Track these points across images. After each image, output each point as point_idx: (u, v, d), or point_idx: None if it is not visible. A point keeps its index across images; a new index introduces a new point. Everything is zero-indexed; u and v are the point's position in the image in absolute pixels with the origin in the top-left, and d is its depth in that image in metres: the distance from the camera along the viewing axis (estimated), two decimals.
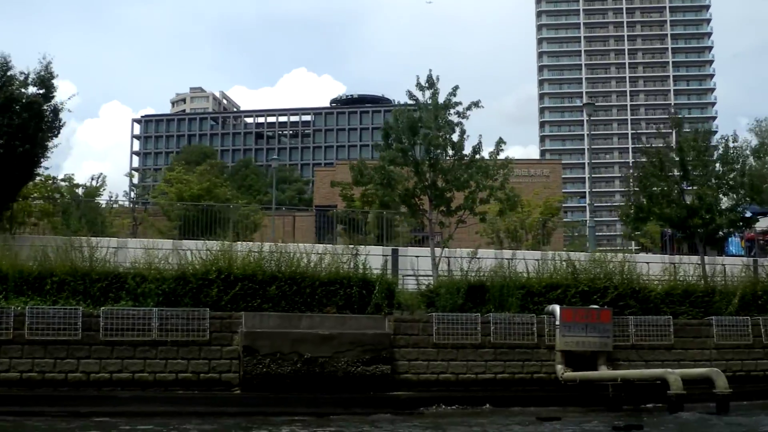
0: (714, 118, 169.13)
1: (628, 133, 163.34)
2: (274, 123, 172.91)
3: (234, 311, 21.14)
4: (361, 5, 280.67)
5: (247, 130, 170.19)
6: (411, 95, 26.07)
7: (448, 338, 21.62)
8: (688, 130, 26.03)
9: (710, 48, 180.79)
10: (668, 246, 34.29)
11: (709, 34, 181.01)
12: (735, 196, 26.41)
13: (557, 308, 22.07)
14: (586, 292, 22.91)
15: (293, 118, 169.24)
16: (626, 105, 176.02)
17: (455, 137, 26.10)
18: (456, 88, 26.08)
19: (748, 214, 40.71)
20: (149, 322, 20.46)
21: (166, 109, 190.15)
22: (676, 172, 26.39)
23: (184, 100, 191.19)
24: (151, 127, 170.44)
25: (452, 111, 26.02)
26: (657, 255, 31.67)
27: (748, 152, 27.84)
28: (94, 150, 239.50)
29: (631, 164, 29.19)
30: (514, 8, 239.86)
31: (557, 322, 21.89)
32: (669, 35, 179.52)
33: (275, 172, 58.73)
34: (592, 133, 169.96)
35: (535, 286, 23.00)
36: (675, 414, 18.93)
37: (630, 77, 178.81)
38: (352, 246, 24.10)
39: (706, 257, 31.76)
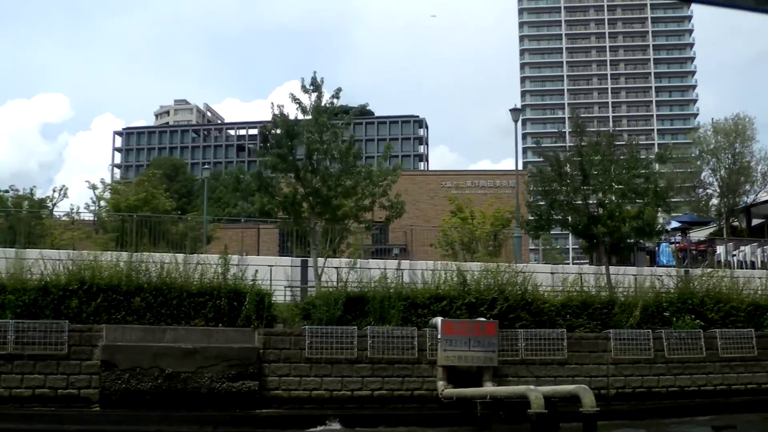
0: (697, 129, 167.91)
1: (609, 116, 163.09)
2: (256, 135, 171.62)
3: (96, 323, 20.01)
4: (351, 16, 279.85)
5: (228, 143, 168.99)
6: (294, 98, 24.83)
7: (322, 353, 20.44)
8: (593, 130, 24.80)
9: (692, 59, 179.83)
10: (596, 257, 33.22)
11: (691, 45, 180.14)
12: (640, 203, 25.20)
13: (439, 321, 20.87)
14: (473, 303, 21.73)
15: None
16: (608, 116, 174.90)
17: (342, 142, 24.89)
18: (339, 90, 25.01)
19: (675, 224, 39.82)
20: (5, 334, 19.42)
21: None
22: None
23: (167, 113, 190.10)
24: (132, 140, 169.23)
25: (339, 115, 24.83)
26: (576, 265, 30.51)
27: (652, 157, 26.59)
28: (86, 163, 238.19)
29: (529, 171, 28.11)
30: (497, 20, 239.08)
31: (439, 336, 20.67)
32: (651, 46, 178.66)
33: (207, 181, 57.39)
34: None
35: (419, 298, 21.80)
36: None
37: (612, 88, 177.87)
38: (238, 255, 22.94)
39: (635, 268, 30.75)
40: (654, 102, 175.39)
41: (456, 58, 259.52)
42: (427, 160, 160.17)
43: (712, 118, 49.30)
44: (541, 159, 27.02)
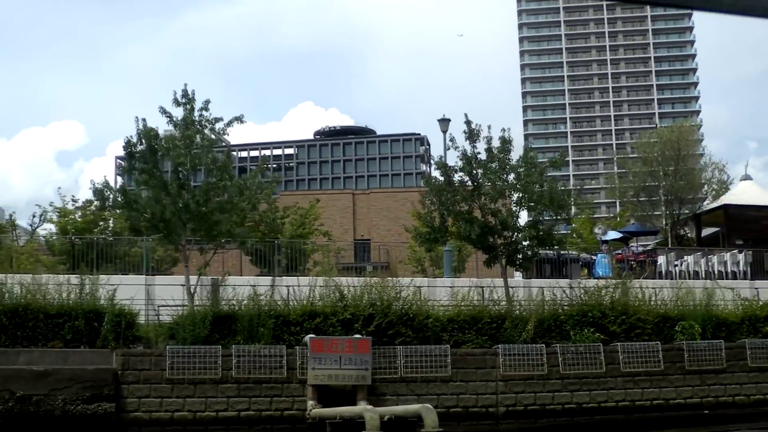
0: (701, 140, 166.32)
1: (613, 158, 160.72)
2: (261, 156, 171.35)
3: None
4: (364, 39, 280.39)
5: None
6: (164, 111, 23.80)
7: (185, 373, 19.47)
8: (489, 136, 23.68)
9: (694, 70, 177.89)
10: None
11: (693, 56, 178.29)
12: (535, 211, 24.03)
13: (308, 338, 19.84)
14: (349, 320, 20.66)
15: (276, 152, 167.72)
16: (611, 129, 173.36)
17: (215, 155, 23.92)
18: (207, 102, 23.95)
19: (615, 235, 38.51)
20: None
21: None
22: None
23: None
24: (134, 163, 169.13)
25: (210, 128, 23.87)
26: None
27: (546, 162, 25.39)
28: None
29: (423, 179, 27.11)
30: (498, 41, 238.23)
31: (308, 354, 19.64)
32: (652, 58, 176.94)
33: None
34: (577, 158, 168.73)
35: (291, 315, 20.78)
36: None
37: (614, 101, 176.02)
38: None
39: (562, 280, 29.60)
40: (657, 114, 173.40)
41: (462, 76, 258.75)
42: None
43: (656, 125, 47.85)
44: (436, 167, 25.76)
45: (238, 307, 20.81)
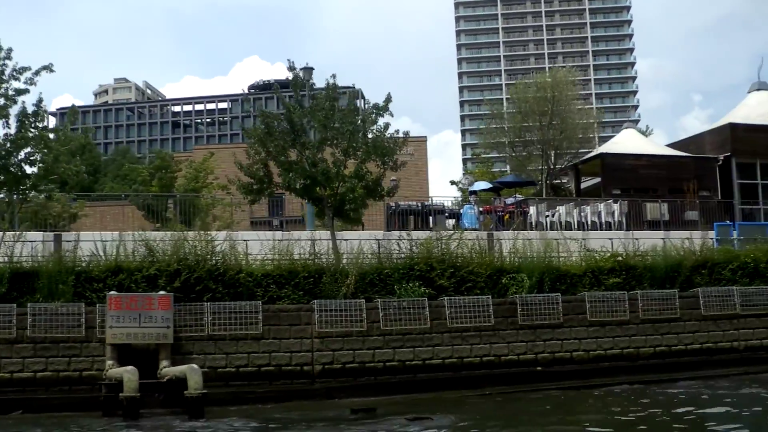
0: (636, 107, 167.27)
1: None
2: (198, 111, 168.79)
3: None
4: None
5: (163, 120, 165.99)
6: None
7: None
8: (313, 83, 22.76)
9: (629, 22, 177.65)
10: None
11: (628, 8, 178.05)
12: (358, 159, 23.14)
13: (107, 296, 18.87)
14: (154, 276, 19.69)
15: (210, 106, 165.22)
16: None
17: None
18: (10, 50, 22.64)
19: (484, 185, 37.90)
20: None
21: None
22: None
23: (106, 92, 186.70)
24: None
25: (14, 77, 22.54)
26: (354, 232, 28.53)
27: (373, 110, 24.41)
28: None
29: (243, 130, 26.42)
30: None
31: (107, 312, 18.66)
32: (587, 9, 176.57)
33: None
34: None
35: (94, 272, 19.76)
36: (130, 421, 15.79)
37: (549, 54, 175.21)
38: None
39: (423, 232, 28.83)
40: (591, 66, 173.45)
41: (402, 31, 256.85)
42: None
43: (532, 71, 46.57)
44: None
45: (38, 263, 19.72)
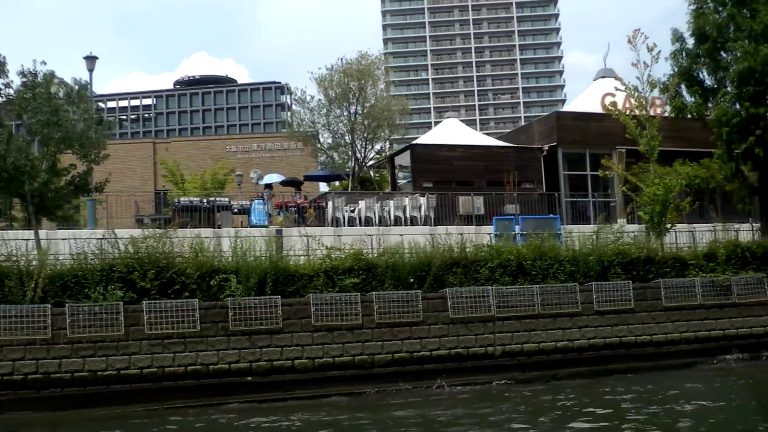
0: (564, 100, 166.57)
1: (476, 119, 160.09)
2: (122, 108, 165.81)
3: None
4: None
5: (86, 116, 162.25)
6: None
7: None
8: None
9: (556, 16, 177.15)
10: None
11: (555, 2, 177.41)
12: (49, 152, 21.31)
13: None
14: None
15: (135, 102, 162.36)
16: (473, 76, 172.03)
17: None
18: None
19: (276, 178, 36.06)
20: None
21: None
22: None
23: None
24: None
25: None
26: None
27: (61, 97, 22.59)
28: None
29: None
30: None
31: None
32: (514, 4, 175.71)
33: None
34: (439, 105, 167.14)
35: None
36: None
37: (476, 47, 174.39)
38: None
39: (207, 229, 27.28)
40: (518, 60, 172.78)
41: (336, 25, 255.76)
42: (291, 127, 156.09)
43: (341, 59, 44.56)
44: None
45: None
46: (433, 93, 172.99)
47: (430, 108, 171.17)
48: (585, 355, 22.64)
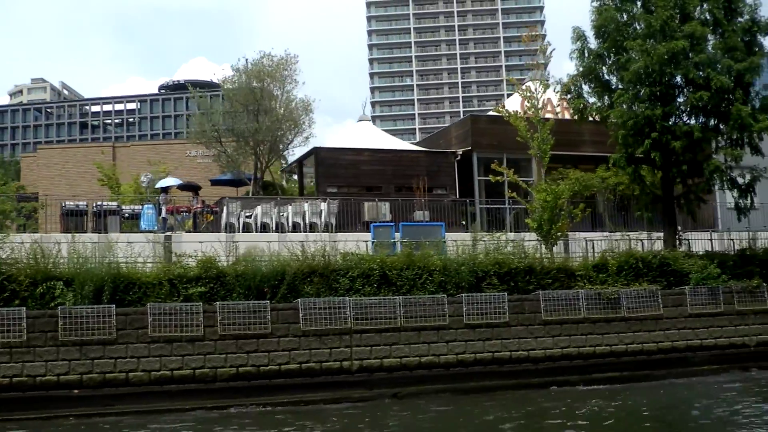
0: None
1: (460, 112, 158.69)
2: (107, 112, 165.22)
3: None
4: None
5: (71, 120, 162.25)
6: None
7: None
8: None
9: (542, 22, 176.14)
10: None
11: (541, 8, 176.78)
12: None
13: None
14: None
15: (119, 107, 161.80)
16: (458, 83, 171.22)
17: None
18: None
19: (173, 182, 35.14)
20: None
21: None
22: None
23: (21, 92, 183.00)
24: None
25: None
26: None
27: None
28: None
29: None
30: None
31: None
32: (500, 9, 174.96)
33: None
34: (423, 111, 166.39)
35: None
36: None
37: (461, 53, 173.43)
38: None
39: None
40: (504, 67, 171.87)
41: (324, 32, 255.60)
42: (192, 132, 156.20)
43: (246, 60, 43.22)
44: None
45: None
46: (418, 99, 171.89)
47: (414, 114, 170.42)
48: (452, 371, 21.56)
